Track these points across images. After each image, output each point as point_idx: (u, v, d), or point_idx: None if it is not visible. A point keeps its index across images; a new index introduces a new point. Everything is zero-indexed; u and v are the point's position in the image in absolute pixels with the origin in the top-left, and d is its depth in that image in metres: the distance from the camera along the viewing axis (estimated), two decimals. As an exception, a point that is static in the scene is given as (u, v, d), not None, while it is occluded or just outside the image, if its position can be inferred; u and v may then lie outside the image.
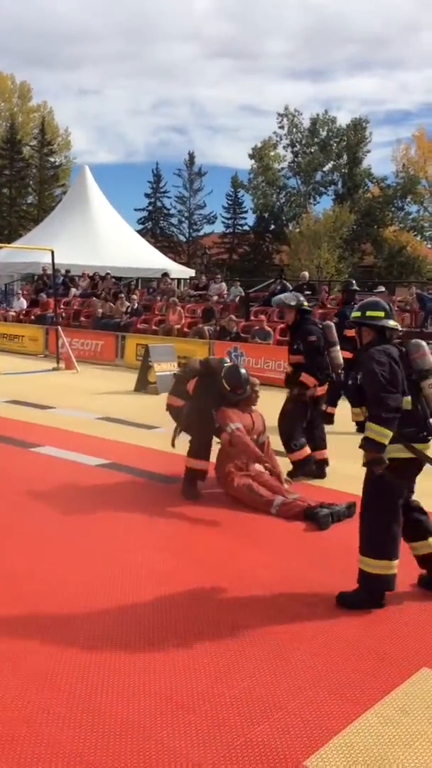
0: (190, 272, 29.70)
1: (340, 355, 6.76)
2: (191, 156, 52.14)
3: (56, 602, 3.85)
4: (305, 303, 6.79)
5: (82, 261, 23.57)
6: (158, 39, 74.33)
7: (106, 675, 3.15)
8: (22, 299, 21.77)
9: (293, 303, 6.63)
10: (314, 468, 6.51)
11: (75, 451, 7.30)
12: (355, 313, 4.15)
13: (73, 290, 21.61)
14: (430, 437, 3.93)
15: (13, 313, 20.55)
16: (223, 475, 5.89)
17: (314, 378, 6.38)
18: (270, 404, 6.52)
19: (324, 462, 6.65)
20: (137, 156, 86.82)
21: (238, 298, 18.47)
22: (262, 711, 2.92)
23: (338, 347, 6.76)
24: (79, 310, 19.57)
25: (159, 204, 52.76)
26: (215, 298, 18.59)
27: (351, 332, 6.83)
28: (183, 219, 52.67)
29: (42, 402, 10.28)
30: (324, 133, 49.06)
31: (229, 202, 52.03)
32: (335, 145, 48.97)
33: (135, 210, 52.76)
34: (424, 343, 4.06)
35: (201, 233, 52.72)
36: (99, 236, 26.26)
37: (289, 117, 49.34)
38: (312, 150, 48.85)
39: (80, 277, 22.55)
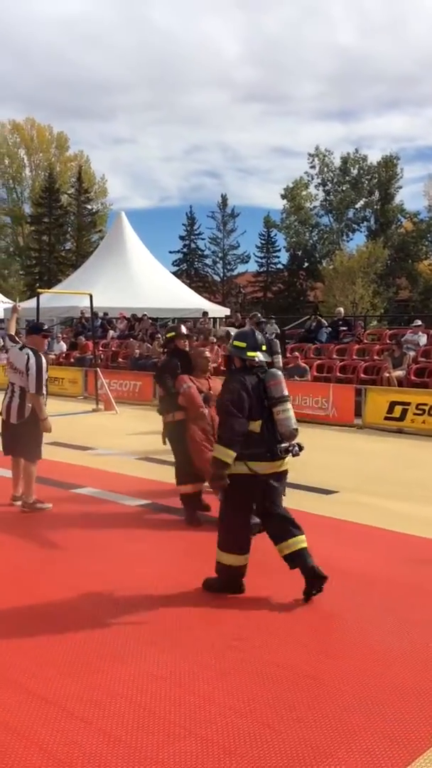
0: (225, 311, 29.99)
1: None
2: (224, 198, 53.19)
3: (92, 642, 3.84)
4: (271, 338, 7.48)
5: (119, 303, 24.02)
6: (188, 87, 76.65)
7: (143, 716, 3.12)
8: (61, 342, 22.21)
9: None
10: None
11: (115, 492, 7.35)
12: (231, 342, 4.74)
13: (111, 332, 21.98)
14: (275, 457, 4.41)
15: (54, 357, 20.94)
16: (194, 444, 6.13)
17: None
18: (309, 442, 6.48)
19: None
20: (171, 200, 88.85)
21: (273, 336, 18.55)
22: (310, 758, 2.85)
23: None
24: (117, 351, 19.87)
25: (193, 246, 53.69)
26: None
27: None
28: (217, 259, 53.46)
29: (82, 443, 10.39)
30: (355, 171, 49.57)
31: (263, 241, 52.70)
32: (367, 182, 49.38)
33: (170, 252, 53.83)
34: (279, 373, 4.61)
35: (235, 273, 53.37)
36: (135, 279, 26.78)
37: (320, 157, 50.06)
38: (344, 188, 49.32)
39: (118, 319, 22.95)
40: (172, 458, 9.22)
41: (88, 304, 16.92)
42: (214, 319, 25.95)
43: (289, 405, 4.49)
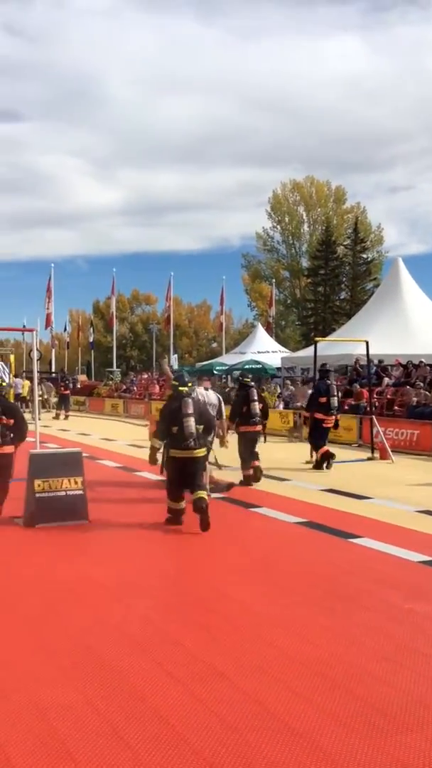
0: None
1: (256, 407, 10.80)
2: None
3: (375, 699, 3.62)
4: (246, 379, 11.32)
5: (394, 350, 23.50)
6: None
7: None
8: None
9: (238, 377, 12.32)
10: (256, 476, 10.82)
11: (395, 545, 7.02)
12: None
13: (386, 380, 21.55)
14: (186, 448, 7.67)
15: (328, 403, 21.14)
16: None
17: (231, 421, 10.62)
18: None
19: (258, 469, 10.82)
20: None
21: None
22: None
23: (255, 403, 10.82)
24: (392, 399, 19.37)
25: None
26: None
27: (323, 399, 12.70)
28: None
29: (358, 492, 10.20)
30: None
31: None
32: None
33: (449, 297, 51.43)
34: (189, 400, 7.78)
35: None
36: (412, 325, 26.02)
37: None
38: None
39: (393, 366, 22.44)
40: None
41: (363, 352, 16.86)
42: None
43: (190, 419, 7.66)
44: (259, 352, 34.65)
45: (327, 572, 6.17)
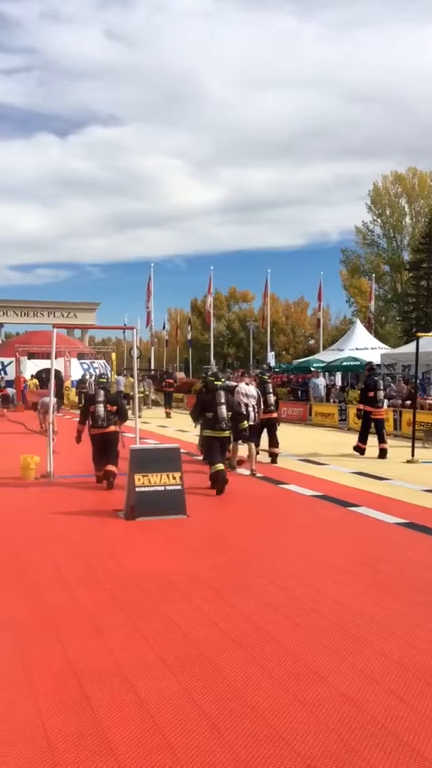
0: None
1: (271, 398, 12.81)
2: None
3: None
4: (263, 375, 13.33)
5: None
6: None
7: None
8: (439, 387, 21.57)
9: (256, 374, 13.69)
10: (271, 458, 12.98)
11: None
12: None
13: None
14: (220, 429, 10.07)
15: (431, 402, 20.46)
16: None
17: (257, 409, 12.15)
18: None
19: (276, 455, 13.07)
20: None
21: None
22: None
23: (270, 395, 12.80)
24: None
25: None
26: None
27: (371, 393, 14.06)
28: None
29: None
30: None
31: None
32: None
33: None
34: (222, 392, 10.13)
35: None
36: None
37: None
38: None
39: None
40: None
41: (470, 348, 16.09)
42: None
43: (222, 407, 9.95)
44: (357, 349, 33.84)
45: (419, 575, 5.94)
